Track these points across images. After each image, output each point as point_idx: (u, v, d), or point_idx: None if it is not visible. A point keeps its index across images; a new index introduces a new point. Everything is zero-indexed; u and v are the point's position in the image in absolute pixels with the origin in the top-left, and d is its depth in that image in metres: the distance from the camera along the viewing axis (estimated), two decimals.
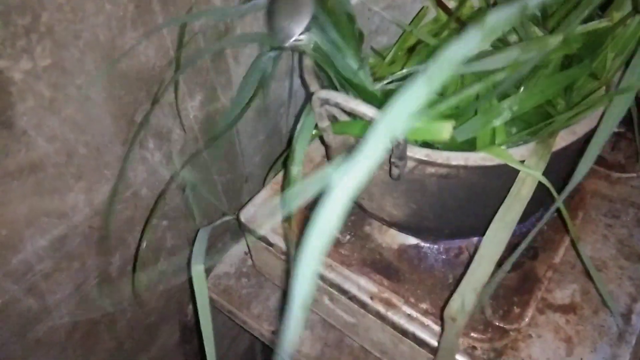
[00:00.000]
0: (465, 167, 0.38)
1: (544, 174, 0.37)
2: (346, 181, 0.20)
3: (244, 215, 0.59)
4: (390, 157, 0.37)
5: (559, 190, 0.38)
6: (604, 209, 0.58)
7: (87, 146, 0.47)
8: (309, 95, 0.45)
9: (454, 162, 0.38)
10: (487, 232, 0.37)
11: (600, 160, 0.63)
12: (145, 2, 0.45)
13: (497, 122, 0.40)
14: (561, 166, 0.41)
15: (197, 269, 0.46)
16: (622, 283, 0.52)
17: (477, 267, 0.36)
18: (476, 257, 0.37)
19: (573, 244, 0.53)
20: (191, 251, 0.54)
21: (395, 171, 0.38)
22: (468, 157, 0.38)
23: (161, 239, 0.61)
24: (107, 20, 0.43)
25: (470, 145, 0.41)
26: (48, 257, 0.48)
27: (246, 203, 0.60)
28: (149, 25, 0.46)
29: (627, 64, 0.39)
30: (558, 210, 0.39)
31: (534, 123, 0.42)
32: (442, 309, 0.50)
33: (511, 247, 0.55)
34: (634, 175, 0.61)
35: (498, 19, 0.25)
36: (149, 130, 0.52)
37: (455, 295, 0.36)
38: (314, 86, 0.44)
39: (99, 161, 0.49)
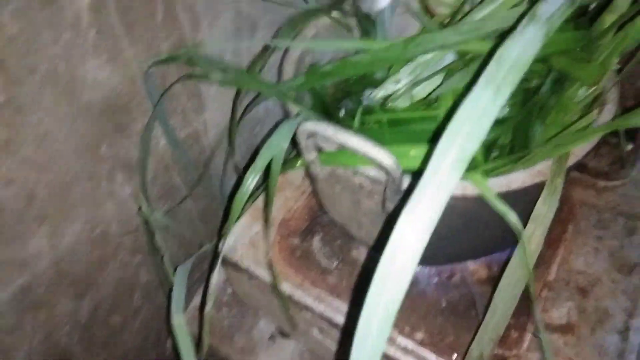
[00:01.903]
0: (462, 198, 0.36)
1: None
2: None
3: (223, 247, 0.55)
4: (385, 191, 0.35)
5: None
6: (593, 220, 0.58)
7: (49, 186, 0.42)
8: (286, 114, 0.42)
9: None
10: (501, 281, 0.34)
11: (584, 168, 0.63)
12: (108, 27, 0.41)
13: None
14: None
15: (178, 319, 0.43)
16: (617, 298, 0.51)
17: (493, 317, 0.34)
18: (491, 306, 0.35)
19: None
20: (170, 289, 0.50)
21: (389, 205, 0.36)
22: (466, 187, 0.36)
23: (134, 275, 0.57)
24: (66, 50, 0.39)
25: None
26: (11, 311, 0.44)
27: (223, 231, 0.57)
28: (113, 52, 0.42)
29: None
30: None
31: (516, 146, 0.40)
32: (438, 335, 0.48)
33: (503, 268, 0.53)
34: (619, 182, 0.60)
35: (550, 9, 0.22)
36: (117, 162, 0.48)
37: (474, 346, 0.34)
38: (294, 109, 0.41)
39: (63, 201, 0.44)
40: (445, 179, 0.18)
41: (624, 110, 0.72)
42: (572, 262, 0.54)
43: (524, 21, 0.22)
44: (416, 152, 0.35)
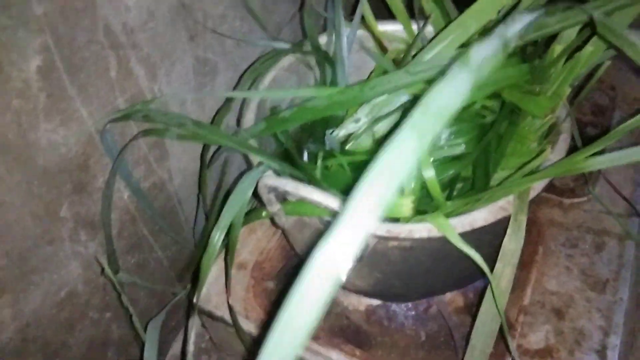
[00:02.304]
0: (428, 240, 0.36)
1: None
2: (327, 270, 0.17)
3: (197, 297, 0.54)
4: None
5: None
6: (561, 239, 0.58)
7: (7, 256, 0.41)
8: (248, 163, 0.42)
9: (417, 235, 0.36)
10: (476, 321, 0.34)
11: (549, 187, 0.63)
12: (59, 89, 0.40)
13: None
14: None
15: None
16: (592, 317, 0.51)
17: (472, 356, 0.34)
18: (469, 346, 0.35)
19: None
20: (143, 344, 0.49)
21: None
22: (431, 229, 0.36)
23: (106, 332, 0.56)
24: (17, 117, 0.38)
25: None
26: None
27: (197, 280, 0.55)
28: (66, 113, 0.41)
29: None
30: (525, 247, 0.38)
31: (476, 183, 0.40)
32: None
33: (479, 295, 0.53)
34: (585, 199, 0.61)
35: (482, 55, 0.22)
36: (79, 222, 0.47)
37: None
38: (255, 158, 0.41)
39: (23, 268, 0.43)
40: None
41: (581, 124, 0.73)
42: (546, 284, 0.54)
43: (454, 67, 0.22)
44: None
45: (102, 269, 0.47)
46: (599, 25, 0.30)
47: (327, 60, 0.52)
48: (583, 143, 0.52)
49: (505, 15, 0.42)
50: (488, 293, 0.37)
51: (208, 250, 0.36)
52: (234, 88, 0.58)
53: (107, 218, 0.47)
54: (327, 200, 0.31)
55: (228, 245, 0.39)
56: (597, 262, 0.56)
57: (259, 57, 0.57)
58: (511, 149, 0.43)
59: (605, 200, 0.60)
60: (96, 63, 0.43)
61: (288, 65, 0.52)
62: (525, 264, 0.55)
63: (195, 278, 0.56)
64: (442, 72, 0.37)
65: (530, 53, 0.41)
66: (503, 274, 0.35)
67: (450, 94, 0.20)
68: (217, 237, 0.36)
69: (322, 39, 0.54)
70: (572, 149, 0.47)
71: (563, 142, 0.39)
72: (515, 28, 0.25)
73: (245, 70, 0.56)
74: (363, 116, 0.45)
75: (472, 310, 0.53)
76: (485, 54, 0.22)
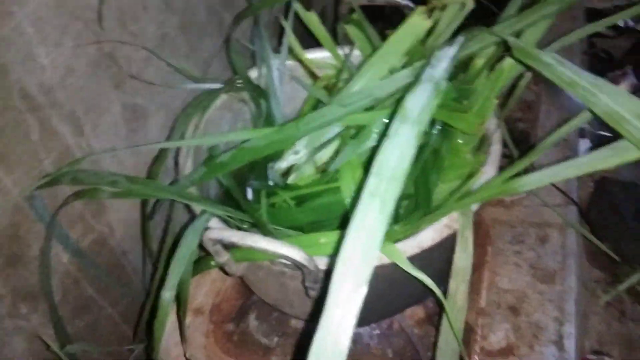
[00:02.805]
0: (380, 267, 0.36)
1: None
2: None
3: (155, 355, 0.52)
4: (304, 282, 0.34)
5: None
6: (508, 237, 0.60)
7: None
8: (191, 214, 0.41)
9: None
10: (439, 341, 0.35)
11: None
12: None
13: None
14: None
15: None
16: (545, 309, 0.53)
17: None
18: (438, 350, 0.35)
19: None
20: None
21: (312, 293, 0.35)
22: (382, 257, 0.36)
23: None
24: None
25: None
26: None
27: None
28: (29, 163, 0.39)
29: None
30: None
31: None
32: None
33: (439, 303, 0.54)
34: (524, 195, 0.64)
35: (419, 104, 0.23)
36: (17, 295, 0.44)
37: None
38: (197, 207, 0.40)
39: None
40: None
41: (511, 120, 0.77)
42: (498, 283, 0.56)
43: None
44: (326, 239, 0.35)
45: (47, 346, 0.44)
46: (514, 49, 0.32)
47: (260, 94, 0.52)
48: (514, 139, 0.55)
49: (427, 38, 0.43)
50: (445, 312, 0.37)
51: (159, 312, 0.35)
52: (169, 131, 0.57)
53: (47, 286, 0.45)
54: (275, 246, 0.31)
55: (179, 299, 0.38)
56: (543, 254, 0.58)
57: (193, 98, 0.56)
58: (448, 162, 0.44)
59: (542, 194, 0.62)
60: (15, 129, 0.40)
61: (221, 104, 0.51)
62: (477, 266, 0.57)
63: (151, 331, 0.54)
64: (370, 104, 0.38)
65: (454, 70, 0.42)
66: (458, 292, 0.35)
67: (399, 153, 0.20)
68: (167, 297, 0.35)
69: (253, 73, 0.54)
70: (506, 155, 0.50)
71: (494, 155, 0.40)
72: (442, 67, 0.26)
73: (179, 113, 0.54)
74: (302, 148, 0.45)
75: (433, 319, 0.54)
76: (421, 103, 0.22)
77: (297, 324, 0.54)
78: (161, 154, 0.49)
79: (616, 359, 0.68)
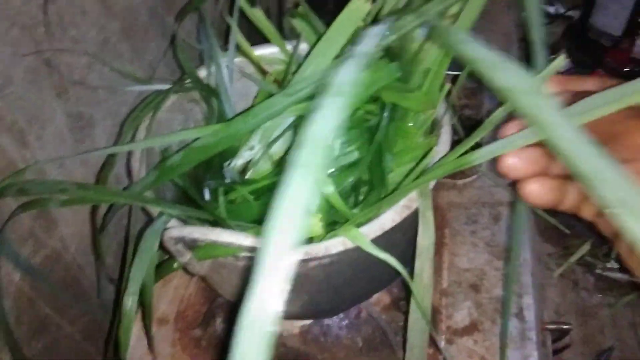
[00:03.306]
0: (345, 252, 0.36)
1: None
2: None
3: None
4: None
5: None
6: (463, 218, 0.62)
7: None
8: (149, 217, 0.40)
9: (334, 251, 0.36)
10: (409, 324, 0.35)
11: None
12: None
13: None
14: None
15: None
16: (504, 284, 0.55)
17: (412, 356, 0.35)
18: (407, 348, 0.36)
19: None
20: None
21: None
22: (345, 241, 0.36)
23: None
24: None
25: None
26: None
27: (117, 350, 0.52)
28: None
29: None
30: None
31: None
32: None
33: (403, 288, 0.55)
34: (475, 177, 0.66)
35: (345, 78, 0.23)
36: None
37: None
38: (154, 210, 0.39)
39: None
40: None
41: (457, 108, 0.79)
42: (458, 263, 0.58)
43: (322, 99, 0.22)
44: None
45: None
46: (433, 31, 0.33)
47: (211, 93, 0.51)
48: (462, 125, 0.56)
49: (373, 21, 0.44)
50: (413, 291, 0.38)
51: (123, 321, 0.34)
52: (117, 137, 0.55)
53: (0, 309, 0.43)
54: (238, 238, 0.31)
55: (143, 306, 0.37)
56: (497, 232, 0.60)
57: (141, 101, 0.54)
58: (400, 146, 0.45)
59: (492, 175, 0.65)
60: None
61: (171, 105, 0.50)
62: (437, 248, 0.58)
63: (116, 346, 0.52)
64: (316, 91, 0.38)
65: (396, 51, 0.43)
66: (424, 270, 0.36)
67: (326, 125, 0.21)
68: (130, 304, 0.34)
69: (202, 72, 0.53)
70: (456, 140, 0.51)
71: (446, 135, 0.41)
72: (368, 44, 0.26)
73: (127, 118, 0.53)
74: (256, 143, 0.44)
75: (399, 304, 0.55)
76: (347, 78, 0.23)
77: None
78: (109, 160, 0.47)
79: (574, 327, 0.72)
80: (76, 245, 0.53)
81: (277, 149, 0.47)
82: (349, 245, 0.36)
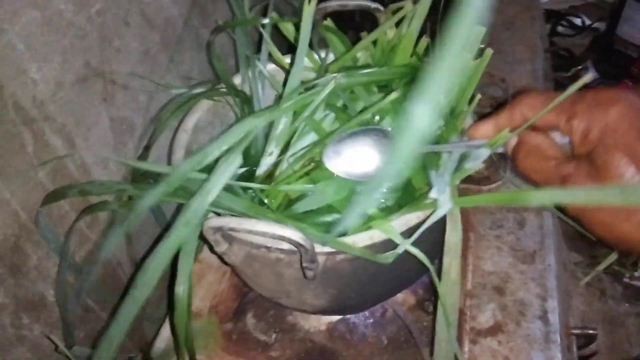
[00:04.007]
0: (372, 245, 0.38)
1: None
2: None
3: (155, 355, 0.53)
4: (301, 262, 0.36)
5: None
6: (488, 223, 0.63)
7: None
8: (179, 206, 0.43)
9: (361, 245, 0.38)
10: (437, 320, 0.37)
11: (467, 178, 0.69)
12: None
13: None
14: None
15: None
16: (528, 287, 0.56)
17: (440, 352, 0.37)
18: (435, 344, 0.37)
19: None
20: None
21: (309, 273, 0.37)
22: (372, 235, 0.38)
23: None
24: None
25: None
26: None
27: (154, 338, 0.54)
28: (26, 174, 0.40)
29: None
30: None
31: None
32: None
33: (428, 289, 0.57)
34: (501, 182, 0.67)
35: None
36: (19, 305, 0.45)
37: None
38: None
39: None
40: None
41: (481, 116, 0.80)
42: (483, 266, 0.59)
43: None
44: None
45: (56, 347, 0.45)
46: None
47: (244, 99, 0.54)
48: None
49: None
50: (440, 287, 0.39)
51: (177, 308, 0.37)
52: (150, 137, 0.58)
53: (63, 303, 0.46)
54: (272, 228, 0.33)
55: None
56: (522, 237, 0.61)
57: (172, 102, 0.58)
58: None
59: (517, 181, 0.66)
60: (11, 141, 0.42)
61: (207, 109, 0.53)
62: (462, 251, 0.59)
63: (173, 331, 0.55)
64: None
65: None
66: (452, 266, 0.38)
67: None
68: (182, 291, 0.36)
69: (237, 79, 0.56)
70: None
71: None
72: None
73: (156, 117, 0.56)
74: (273, 148, 0.47)
75: (424, 305, 0.56)
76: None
77: (294, 319, 0.56)
78: (144, 154, 0.51)
79: (599, 336, 0.71)
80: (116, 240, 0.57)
81: (296, 149, 0.50)
82: (376, 239, 0.38)
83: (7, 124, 0.41)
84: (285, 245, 0.37)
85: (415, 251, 0.36)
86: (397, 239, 0.36)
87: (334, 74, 0.46)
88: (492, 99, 0.83)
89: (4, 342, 0.44)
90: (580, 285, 0.78)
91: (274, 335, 0.55)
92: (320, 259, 0.38)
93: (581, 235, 0.57)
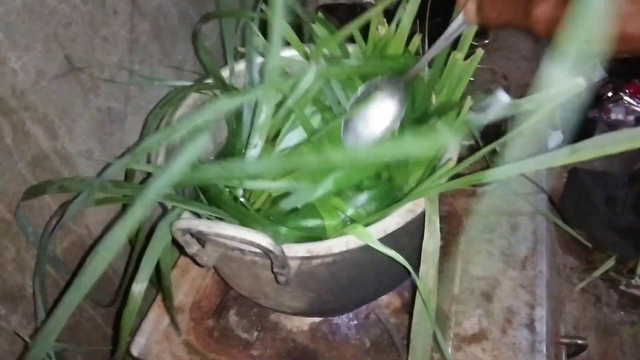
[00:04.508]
0: (348, 251, 0.37)
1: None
2: None
3: (135, 349, 0.53)
4: (272, 268, 0.35)
5: None
6: (480, 226, 0.62)
7: None
8: (164, 210, 0.42)
9: (336, 250, 0.37)
10: (413, 320, 0.36)
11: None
12: None
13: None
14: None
15: None
16: (517, 294, 0.55)
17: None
18: (410, 349, 0.36)
19: None
20: None
21: (281, 279, 0.36)
22: (348, 241, 0.37)
23: None
24: None
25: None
26: None
27: (134, 332, 0.54)
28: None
29: None
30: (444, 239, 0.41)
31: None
32: None
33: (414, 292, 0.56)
34: (496, 185, 0.66)
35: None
36: None
37: None
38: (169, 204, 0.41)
39: None
40: None
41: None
42: (472, 271, 0.57)
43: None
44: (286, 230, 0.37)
45: (25, 343, 0.45)
46: None
47: (232, 92, 0.53)
48: (487, 134, 0.56)
49: None
50: (418, 295, 0.38)
51: (128, 304, 0.36)
52: (141, 132, 0.58)
53: (43, 295, 0.46)
54: (241, 233, 0.32)
55: (163, 291, 0.39)
56: (514, 242, 0.60)
57: (164, 97, 0.57)
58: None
59: (513, 184, 0.64)
60: None
61: (193, 103, 0.52)
62: (451, 255, 0.58)
63: (133, 331, 0.54)
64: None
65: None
66: (428, 275, 0.37)
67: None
68: (137, 290, 0.35)
69: (225, 72, 0.55)
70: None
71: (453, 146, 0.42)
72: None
73: (150, 113, 0.55)
74: (257, 140, 0.46)
75: (409, 308, 0.55)
76: None
77: (277, 318, 0.55)
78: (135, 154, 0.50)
79: (592, 343, 0.70)
80: (101, 232, 0.56)
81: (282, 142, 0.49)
82: (352, 245, 0.37)
83: None
84: (256, 247, 0.36)
85: (392, 254, 0.35)
86: (374, 244, 0.35)
87: (317, 62, 0.44)
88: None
89: None
90: (574, 290, 0.76)
91: (255, 334, 0.54)
92: (294, 264, 0.37)
93: (577, 240, 0.56)
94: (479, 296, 0.55)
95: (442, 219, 0.62)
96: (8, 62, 0.42)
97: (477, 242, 0.60)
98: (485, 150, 0.38)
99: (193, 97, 0.52)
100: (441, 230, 0.60)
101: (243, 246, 0.36)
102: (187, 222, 0.33)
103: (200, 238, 0.38)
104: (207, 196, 0.45)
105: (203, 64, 0.56)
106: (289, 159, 0.42)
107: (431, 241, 0.39)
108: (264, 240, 0.32)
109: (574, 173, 0.85)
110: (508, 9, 0.36)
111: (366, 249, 0.38)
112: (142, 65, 0.58)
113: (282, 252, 0.33)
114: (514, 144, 0.40)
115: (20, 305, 0.47)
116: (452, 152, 0.41)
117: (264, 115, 0.45)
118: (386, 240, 0.38)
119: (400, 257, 0.37)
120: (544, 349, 0.50)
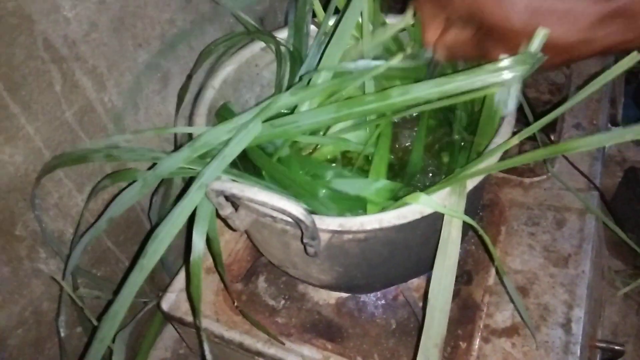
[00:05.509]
0: (381, 229, 0.36)
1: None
2: None
3: (165, 305, 0.54)
4: (302, 238, 0.35)
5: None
6: (523, 218, 0.59)
7: None
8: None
9: (368, 227, 0.36)
10: (431, 284, 0.35)
11: (510, 169, 0.64)
12: (1, 108, 0.40)
13: None
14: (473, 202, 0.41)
15: None
16: (556, 292, 0.53)
17: (432, 321, 0.35)
18: (428, 310, 0.35)
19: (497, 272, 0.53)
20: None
21: (310, 250, 0.36)
22: (382, 219, 0.36)
23: (78, 346, 0.55)
24: None
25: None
26: None
27: (166, 288, 0.55)
28: (10, 131, 0.41)
29: None
30: (484, 227, 0.39)
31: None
32: (391, 358, 0.49)
33: None
34: (545, 177, 0.63)
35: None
36: (36, 239, 0.46)
37: (420, 356, 0.34)
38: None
39: None
40: None
41: (539, 102, 0.75)
42: (510, 263, 0.55)
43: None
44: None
45: (61, 288, 0.46)
46: None
47: (294, 54, 0.52)
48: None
49: None
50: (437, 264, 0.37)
51: (192, 276, 0.37)
52: (193, 67, 0.57)
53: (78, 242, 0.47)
54: (273, 199, 0.31)
55: (213, 255, 0.40)
56: (558, 238, 0.57)
57: (224, 36, 0.56)
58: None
59: (564, 177, 0.61)
60: (38, 78, 0.42)
61: (238, 66, 0.52)
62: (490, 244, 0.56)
63: (166, 286, 0.55)
64: None
65: None
66: (442, 277, 0.36)
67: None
68: (196, 258, 0.37)
69: (282, 34, 0.54)
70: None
71: (507, 125, 0.39)
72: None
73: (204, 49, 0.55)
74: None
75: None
76: None
77: (305, 289, 0.55)
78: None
79: (630, 351, 0.67)
80: None
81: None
82: (385, 224, 0.36)
83: (35, 61, 0.42)
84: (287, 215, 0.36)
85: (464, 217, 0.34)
86: (442, 210, 0.34)
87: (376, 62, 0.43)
88: (551, 84, 0.77)
89: (20, 275, 0.45)
90: (617, 295, 0.72)
91: (282, 302, 0.54)
92: (325, 236, 0.36)
93: (626, 243, 0.53)
94: (515, 290, 0.53)
95: (484, 207, 0.60)
96: (62, 10, 0.43)
97: (518, 234, 0.58)
98: (542, 120, 0.36)
99: (237, 60, 0.51)
100: (482, 218, 0.59)
101: (275, 213, 0.35)
102: (221, 184, 0.33)
103: (234, 202, 0.38)
104: (244, 161, 0.45)
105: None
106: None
107: (451, 246, 0.37)
108: (295, 209, 0.31)
109: (631, 172, 0.80)
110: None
111: (399, 229, 0.37)
112: (193, 25, 0.58)
113: (313, 223, 0.33)
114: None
115: (60, 251, 0.49)
116: (504, 135, 0.38)
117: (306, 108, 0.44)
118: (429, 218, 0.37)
119: (468, 218, 0.36)
120: (578, 351, 0.48)
